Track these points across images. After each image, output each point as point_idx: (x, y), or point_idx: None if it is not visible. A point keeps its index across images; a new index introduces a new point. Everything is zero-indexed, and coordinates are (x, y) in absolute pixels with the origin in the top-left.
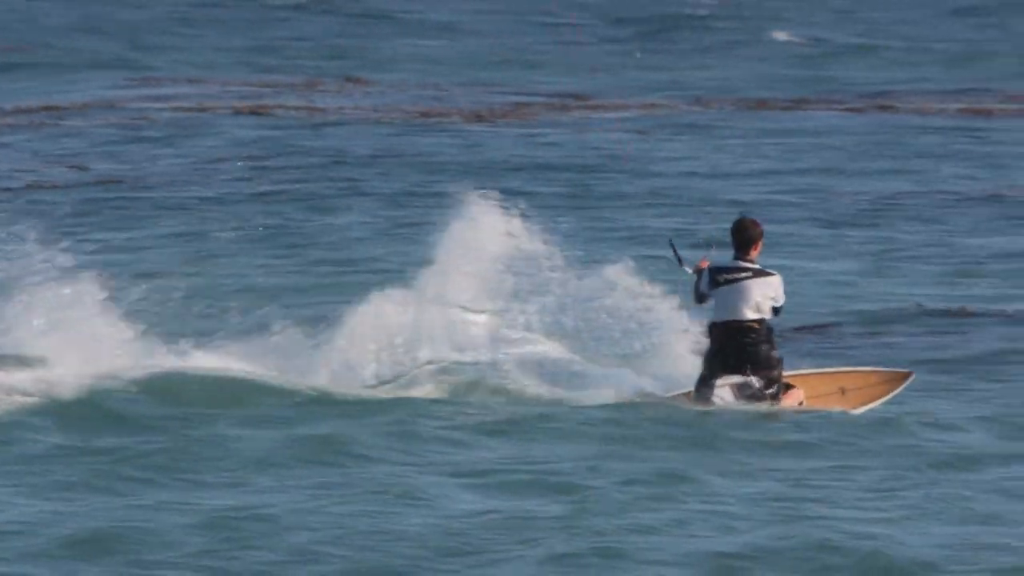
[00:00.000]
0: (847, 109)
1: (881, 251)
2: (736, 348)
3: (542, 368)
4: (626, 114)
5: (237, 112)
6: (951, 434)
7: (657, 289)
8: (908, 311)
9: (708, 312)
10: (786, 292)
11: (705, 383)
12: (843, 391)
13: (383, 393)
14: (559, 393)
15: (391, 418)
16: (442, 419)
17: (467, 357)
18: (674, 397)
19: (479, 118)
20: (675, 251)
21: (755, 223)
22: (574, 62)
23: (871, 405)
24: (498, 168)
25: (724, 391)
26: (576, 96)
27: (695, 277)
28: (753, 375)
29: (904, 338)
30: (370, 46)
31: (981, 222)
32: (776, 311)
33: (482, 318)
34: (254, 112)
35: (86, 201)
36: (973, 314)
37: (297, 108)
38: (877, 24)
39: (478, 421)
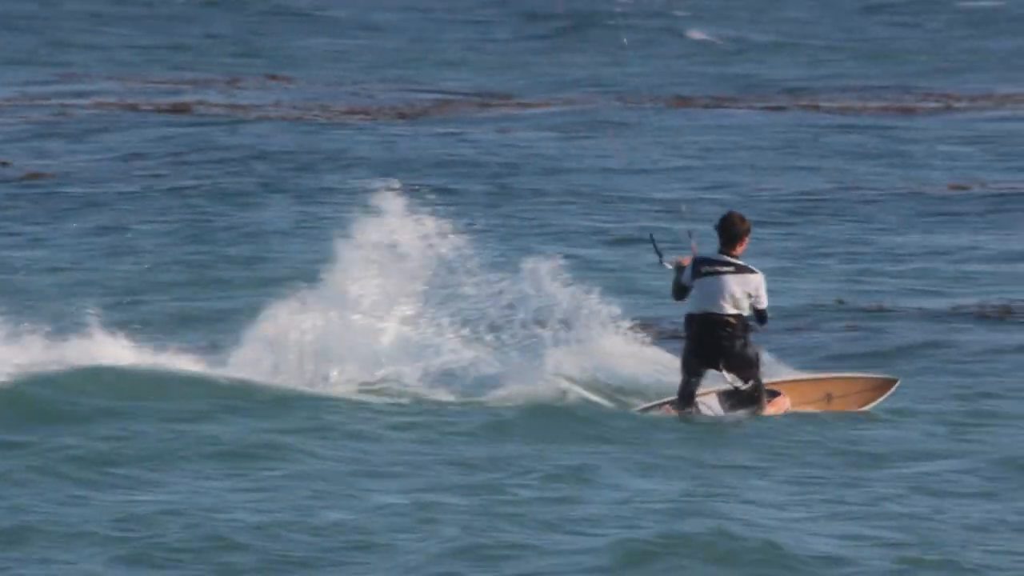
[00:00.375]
0: (768, 107)
1: (801, 248)
2: (712, 341)
3: (454, 370)
4: (547, 110)
5: (157, 108)
6: (867, 429)
7: (575, 287)
8: (827, 307)
9: (687, 305)
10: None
11: (686, 390)
12: (829, 398)
13: (297, 392)
14: (471, 393)
15: (303, 416)
16: (353, 417)
17: (379, 358)
18: (657, 407)
19: (400, 116)
20: (655, 246)
21: (742, 219)
22: (493, 60)
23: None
24: (417, 165)
25: (710, 399)
26: (496, 94)
27: (675, 272)
28: (727, 371)
29: (823, 334)
30: (286, 44)
31: (900, 219)
32: (759, 313)
33: (393, 317)
34: (174, 108)
35: (6, 196)
36: (891, 310)
37: (217, 105)
38: (791, 22)
39: (390, 420)
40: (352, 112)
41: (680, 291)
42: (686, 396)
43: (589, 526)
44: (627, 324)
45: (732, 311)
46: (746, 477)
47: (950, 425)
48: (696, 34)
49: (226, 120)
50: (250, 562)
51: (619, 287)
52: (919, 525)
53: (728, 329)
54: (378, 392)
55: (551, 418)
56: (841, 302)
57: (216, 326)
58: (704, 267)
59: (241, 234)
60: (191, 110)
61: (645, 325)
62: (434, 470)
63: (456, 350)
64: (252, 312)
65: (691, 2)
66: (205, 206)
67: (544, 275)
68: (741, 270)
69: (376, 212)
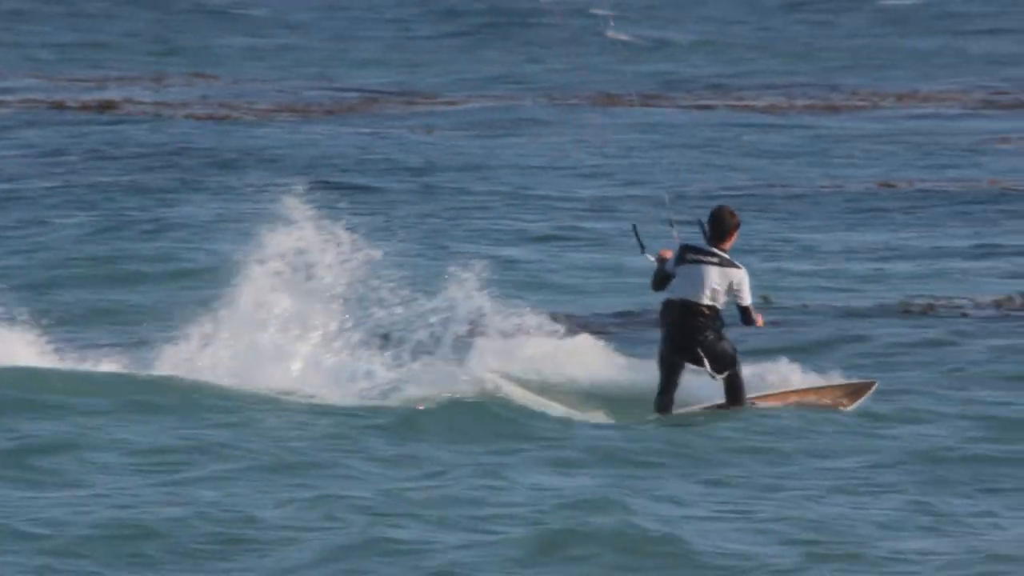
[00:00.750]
0: (692, 105)
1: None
2: (686, 329)
3: (372, 372)
4: (468, 107)
5: (83, 106)
6: (783, 427)
7: (495, 288)
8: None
9: (665, 293)
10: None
11: (664, 396)
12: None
13: (211, 391)
14: (387, 394)
15: (216, 415)
16: (267, 415)
17: (294, 378)
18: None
19: (326, 113)
20: (638, 237)
21: (732, 213)
22: (414, 57)
23: None
24: (339, 163)
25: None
26: (418, 91)
27: (656, 264)
28: (705, 357)
29: (745, 329)
30: (207, 42)
31: (824, 216)
32: (742, 311)
33: (308, 334)
34: (100, 106)
35: None
36: (814, 306)
37: (143, 103)
38: (712, 21)
39: (303, 418)
40: (276, 110)
41: (662, 280)
42: (664, 400)
43: (497, 521)
44: (547, 322)
45: (708, 302)
46: (659, 474)
47: (866, 421)
48: (617, 33)
49: (151, 118)
50: (160, 556)
51: (539, 285)
52: (829, 521)
53: (700, 319)
54: (293, 392)
55: (468, 416)
56: (766, 299)
57: (132, 321)
58: (689, 255)
59: (160, 230)
60: (118, 107)
61: (565, 321)
62: (345, 466)
63: (373, 358)
64: (167, 311)
65: (613, 1)
66: (125, 202)
67: (464, 281)
68: (725, 263)
69: (289, 222)
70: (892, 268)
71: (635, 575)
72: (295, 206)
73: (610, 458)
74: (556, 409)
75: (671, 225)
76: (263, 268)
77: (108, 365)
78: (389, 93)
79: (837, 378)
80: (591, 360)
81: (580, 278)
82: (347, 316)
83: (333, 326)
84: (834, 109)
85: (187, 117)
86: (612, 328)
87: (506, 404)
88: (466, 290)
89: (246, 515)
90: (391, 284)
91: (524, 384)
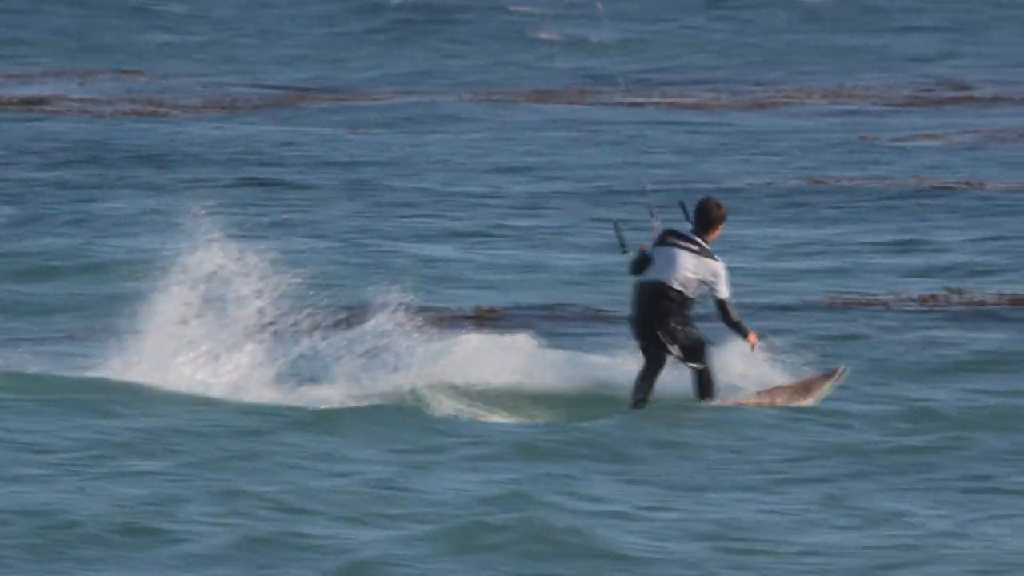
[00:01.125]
0: (620, 103)
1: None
2: (650, 309)
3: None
4: (394, 102)
5: (8, 102)
6: (689, 424)
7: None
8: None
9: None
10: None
11: (640, 388)
12: (774, 399)
13: (123, 390)
14: (305, 395)
15: (127, 414)
16: (179, 414)
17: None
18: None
19: (252, 108)
20: (618, 234)
21: (719, 206)
22: (336, 53)
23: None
24: (263, 160)
25: None
26: (340, 87)
27: (632, 255)
28: (669, 342)
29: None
30: (130, 38)
31: (750, 213)
32: (719, 304)
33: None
34: (27, 102)
35: None
36: (737, 302)
37: (69, 99)
38: (634, 19)
39: (216, 417)
40: (201, 106)
41: (641, 264)
42: (639, 392)
43: (410, 517)
44: (470, 320)
45: (678, 287)
46: (575, 470)
47: (788, 415)
48: (548, 33)
49: (77, 114)
50: (69, 548)
51: (463, 281)
52: (743, 517)
53: (667, 303)
54: (211, 388)
55: (388, 416)
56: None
57: (48, 316)
58: (670, 238)
59: (80, 224)
60: (43, 103)
61: (489, 319)
62: (260, 462)
63: (295, 358)
64: (83, 306)
65: None
66: (47, 197)
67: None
68: (704, 253)
69: (200, 245)
70: (818, 263)
71: (545, 569)
72: (198, 225)
73: (527, 454)
74: (477, 407)
75: (652, 214)
76: (178, 291)
77: (21, 360)
78: (314, 89)
79: (770, 372)
80: (515, 359)
81: (505, 274)
82: (268, 322)
83: (253, 328)
84: (760, 106)
85: (114, 114)
86: (535, 323)
87: (426, 403)
88: (388, 302)
89: (158, 509)
90: (310, 306)
91: (446, 383)
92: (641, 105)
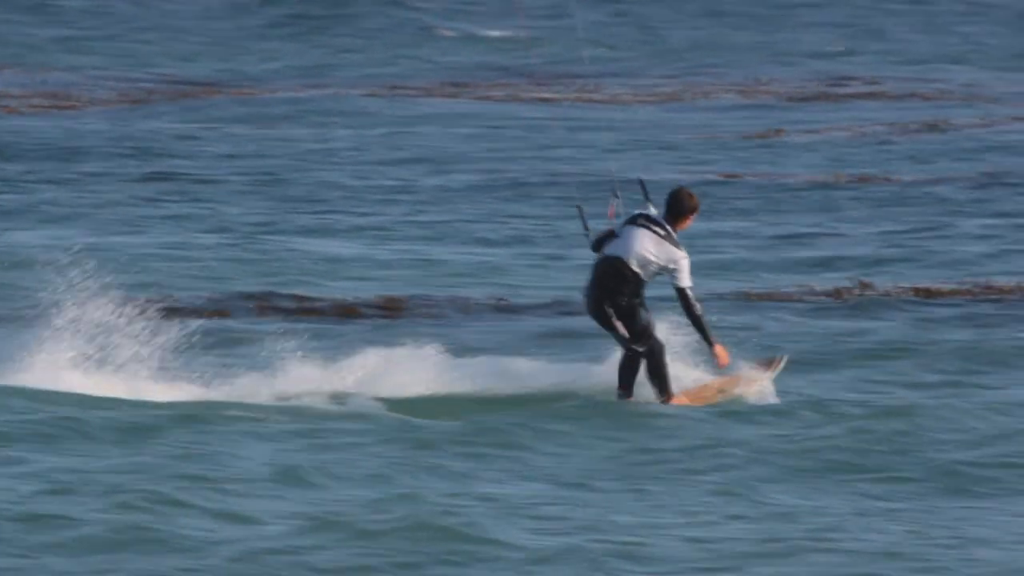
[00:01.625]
0: (525, 98)
1: (553, 239)
2: (602, 282)
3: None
4: (300, 95)
5: None
6: (594, 419)
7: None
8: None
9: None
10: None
11: (625, 371)
12: (722, 391)
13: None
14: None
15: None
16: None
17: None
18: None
19: (163, 101)
20: (583, 218)
21: (691, 196)
22: (237, 47)
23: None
24: (165, 155)
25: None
26: (243, 81)
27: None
28: (617, 319)
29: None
30: (20, 32)
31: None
32: (680, 293)
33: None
34: None
35: None
36: (649, 302)
37: None
38: (533, 15)
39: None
40: (105, 100)
41: (603, 238)
42: (623, 378)
43: (285, 514)
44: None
45: (635, 267)
46: (464, 466)
47: (700, 410)
48: (436, 25)
49: None
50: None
51: (374, 277)
52: (639, 512)
53: (620, 280)
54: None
55: (271, 414)
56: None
57: None
58: (640, 220)
59: None
60: None
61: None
62: (139, 458)
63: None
64: None
65: None
66: None
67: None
68: (669, 240)
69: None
70: (731, 257)
71: (425, 563)
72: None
73: (420, 448)
74: (362, 407)
75: (616, 196)
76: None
77: None
78: (218, 83)
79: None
80: (423, 369)
81: (408, 269)
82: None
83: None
84: (671, 100)
85: (11, 112)
86: (440, 314)
87: (313, 409)
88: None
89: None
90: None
91: (335, 389)
92: (553, 100)
